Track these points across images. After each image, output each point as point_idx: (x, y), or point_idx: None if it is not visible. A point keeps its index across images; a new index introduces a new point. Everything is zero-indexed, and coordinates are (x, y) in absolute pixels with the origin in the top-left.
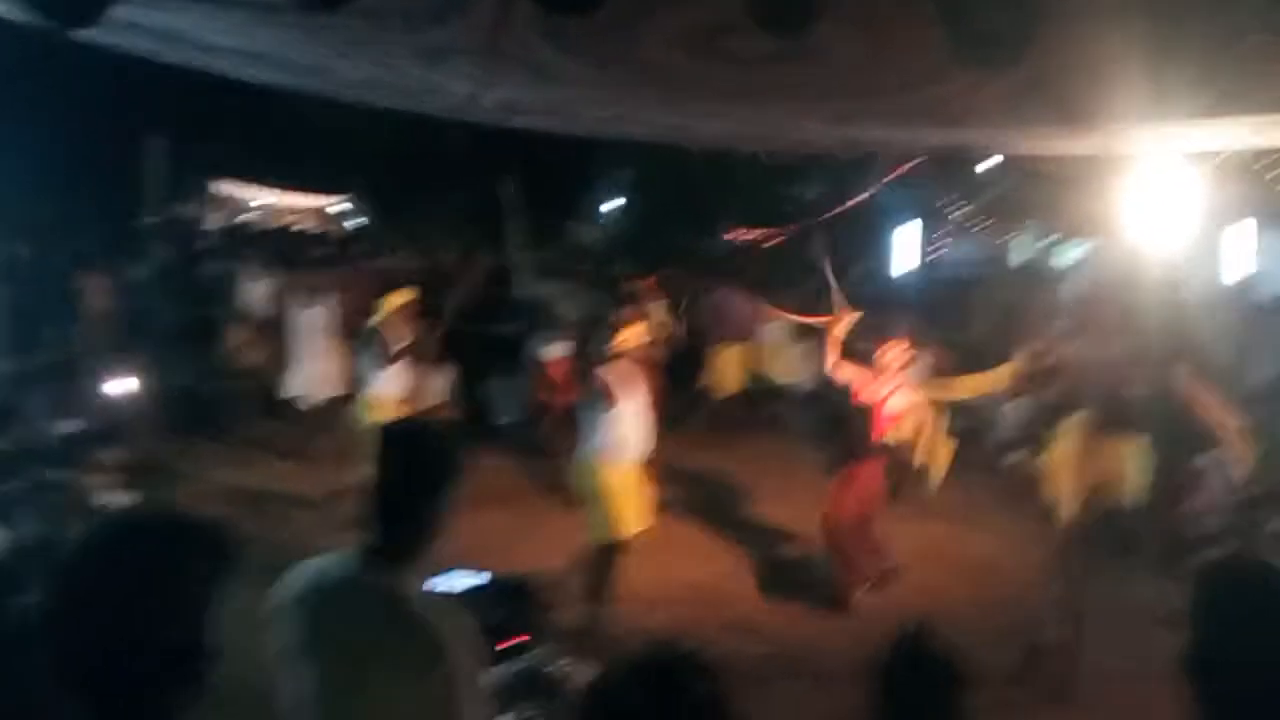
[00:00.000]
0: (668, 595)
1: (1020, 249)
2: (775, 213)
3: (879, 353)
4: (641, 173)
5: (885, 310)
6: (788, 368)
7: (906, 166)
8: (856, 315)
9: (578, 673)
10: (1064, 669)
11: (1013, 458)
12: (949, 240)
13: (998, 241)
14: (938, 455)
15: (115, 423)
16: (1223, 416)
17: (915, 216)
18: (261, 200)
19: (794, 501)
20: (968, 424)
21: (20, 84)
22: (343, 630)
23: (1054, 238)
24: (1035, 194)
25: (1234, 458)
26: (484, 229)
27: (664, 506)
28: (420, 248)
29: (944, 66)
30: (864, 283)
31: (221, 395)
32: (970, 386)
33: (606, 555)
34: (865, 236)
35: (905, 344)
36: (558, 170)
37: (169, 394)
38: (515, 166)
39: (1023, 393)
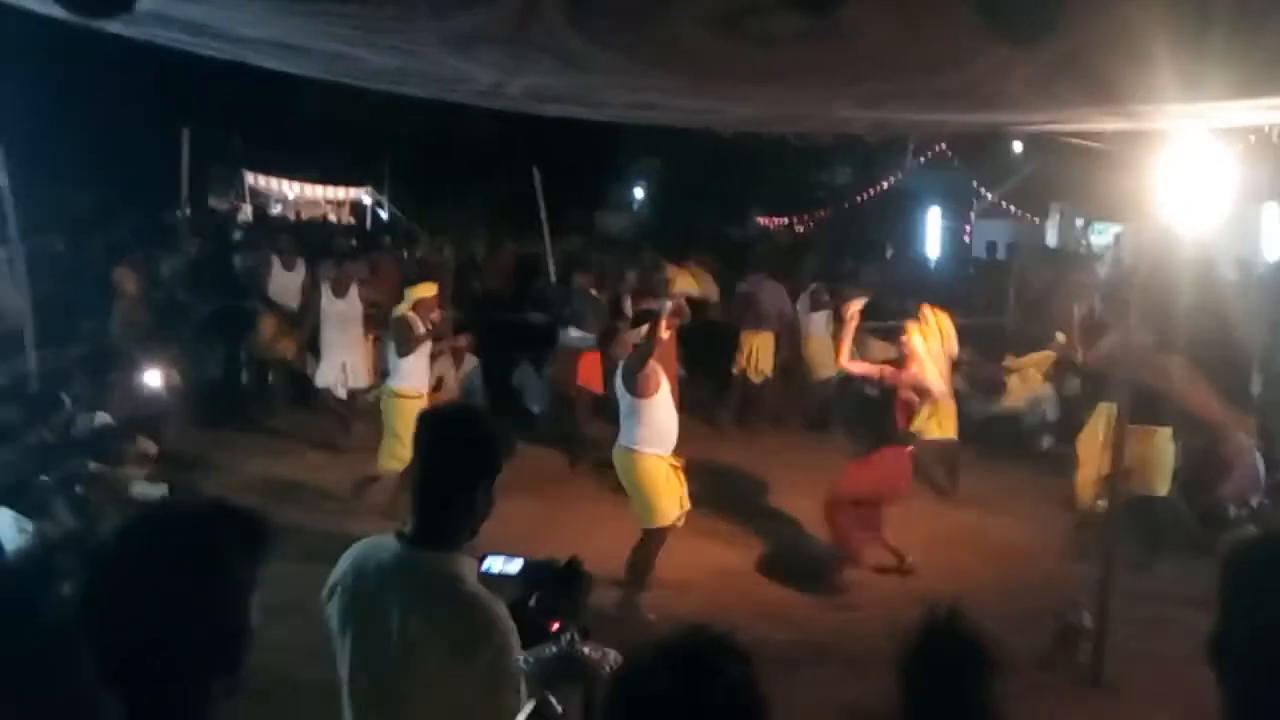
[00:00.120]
0: (699, 580)
1: (1054, 230)
2: (805, 198)
3: (902, 336)
4: (669, 161)
5: (913, 292)
6: (829, 360)
7: (938, 148)
8: (863, 300)
9: (611, 656)
10: (1094, 652)
11: (1046, 442)
12: (981, 222)
13: (1032, 223)
14: (945, 424)
15: (149, 414)
16: (1216, 409)
17: (947, 199)
18: (293, 192)
19: (823, 492)
20: (1001, 409)
21: (54, 78)
22: (394, 611)
23: (1088, 219)
24: (1068, 175)
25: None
26: (513, 218)
27: (693, 494)
28: (450, 238)
29: (975, 46)
30: (895, 266)
31: (253, 386)
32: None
33: (649, 542)
34: (896, 220)
35: (924, 323)
36: (586, 159)
37: (201, 385)
38: (543, 156)
39: (1058, 377)
